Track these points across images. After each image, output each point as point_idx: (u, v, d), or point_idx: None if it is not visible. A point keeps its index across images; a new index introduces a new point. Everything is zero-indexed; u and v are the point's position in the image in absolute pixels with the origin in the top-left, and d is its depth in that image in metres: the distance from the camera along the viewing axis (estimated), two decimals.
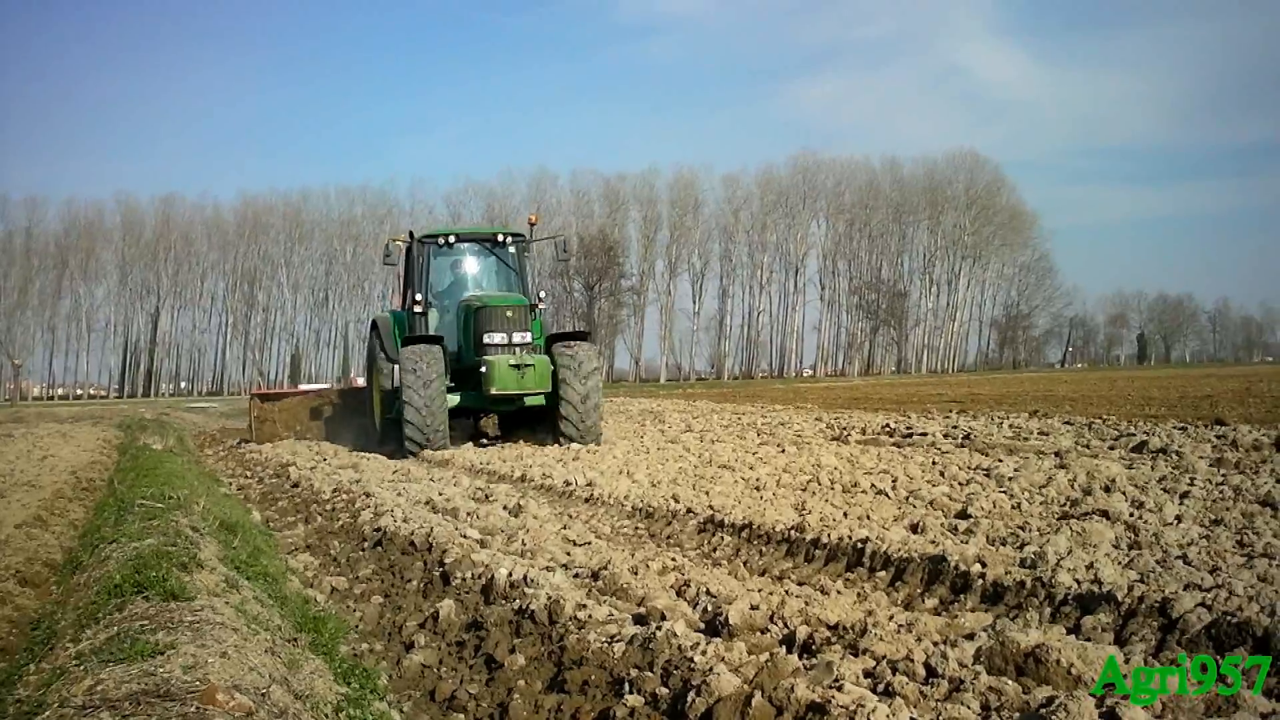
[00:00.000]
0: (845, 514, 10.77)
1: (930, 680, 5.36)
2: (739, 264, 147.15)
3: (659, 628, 6.26)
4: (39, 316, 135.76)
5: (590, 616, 6.85)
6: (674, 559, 9.39)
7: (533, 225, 27.57)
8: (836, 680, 5.24)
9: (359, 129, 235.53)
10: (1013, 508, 10.66)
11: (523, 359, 23.30)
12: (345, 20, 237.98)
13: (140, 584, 7.01)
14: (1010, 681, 5.21)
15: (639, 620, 6.87)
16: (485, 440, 25.52)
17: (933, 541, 8.76)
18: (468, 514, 12.48)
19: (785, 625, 6.62)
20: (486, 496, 14.53)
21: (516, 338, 24.00)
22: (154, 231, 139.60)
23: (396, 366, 24.61)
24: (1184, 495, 10.76)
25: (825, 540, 9.31)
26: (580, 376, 23.41)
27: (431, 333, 25.18)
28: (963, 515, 10.33)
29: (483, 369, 23.27)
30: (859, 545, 8.90)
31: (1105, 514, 9.71)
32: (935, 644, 5.89)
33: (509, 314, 24.03)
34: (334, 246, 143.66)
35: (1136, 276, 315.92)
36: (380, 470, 19.16)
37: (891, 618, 6.67)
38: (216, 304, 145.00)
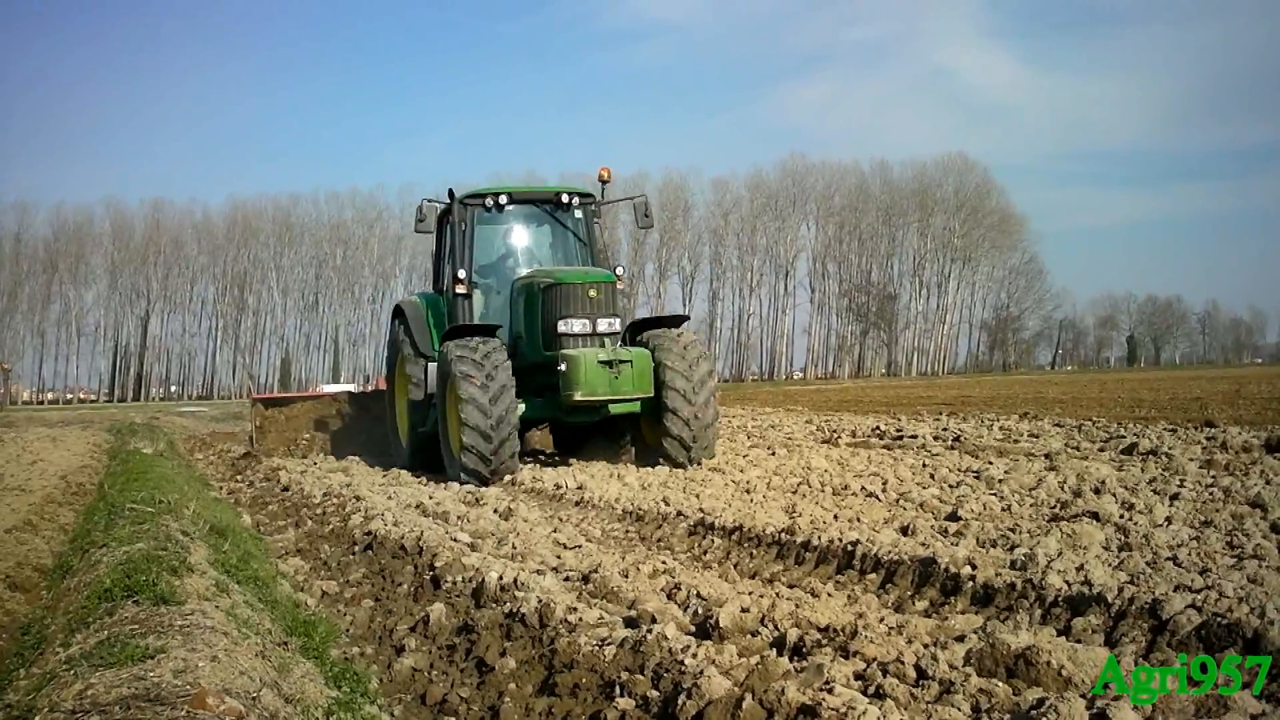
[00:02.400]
0: (836, 516, 10.79)
1: (921, 682, 5.36)
2: (729, 267, 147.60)
3: (650, 630, 6.25)
4: (28, 321, 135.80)
5: (581, 619, 6.85)
6: (665, 562, 9.41)
7: (604, 183, 20.86)
8: (827, 683, 5.24)
9: (348, 133, 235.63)
10: (1003, 510, 10.68)
11: (615, 353, 17.60)
12: (335, 26, 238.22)
13: (130, 588, 7.00)
14: (1000, 683, 5.22)
15: (630, 623, 6.87)
16: (539, 459, 20.86)
17: (923, 544, 8.77)
18: (458, 517, 12.51)
19: (776, 628, 6.62)
20: (477, 500, 14.58)
21: (603, 325, 18.25)
22: (143, 236, 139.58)
23: (430, 365, 19.84)
24: (1174, 497, 10.77)
25: (816, 543, 9.31)
26: (692, 377, 17.78)
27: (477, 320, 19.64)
28: (953, 517, 10.33)
29: (561, 367, 17.50)
30: (849, 548, 8.90)
31: (1095, 516, 9.73)
32: (925, 646, 5.90)
33: (592, 294, 18.22)
34: (324, 250, 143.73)
35: (1126, 279, 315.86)
36: (371, 474, 19.16)
37: (882, 620, 6.68)
38: (206, 308, 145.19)
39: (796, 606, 7.10)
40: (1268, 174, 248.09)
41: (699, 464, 17.36)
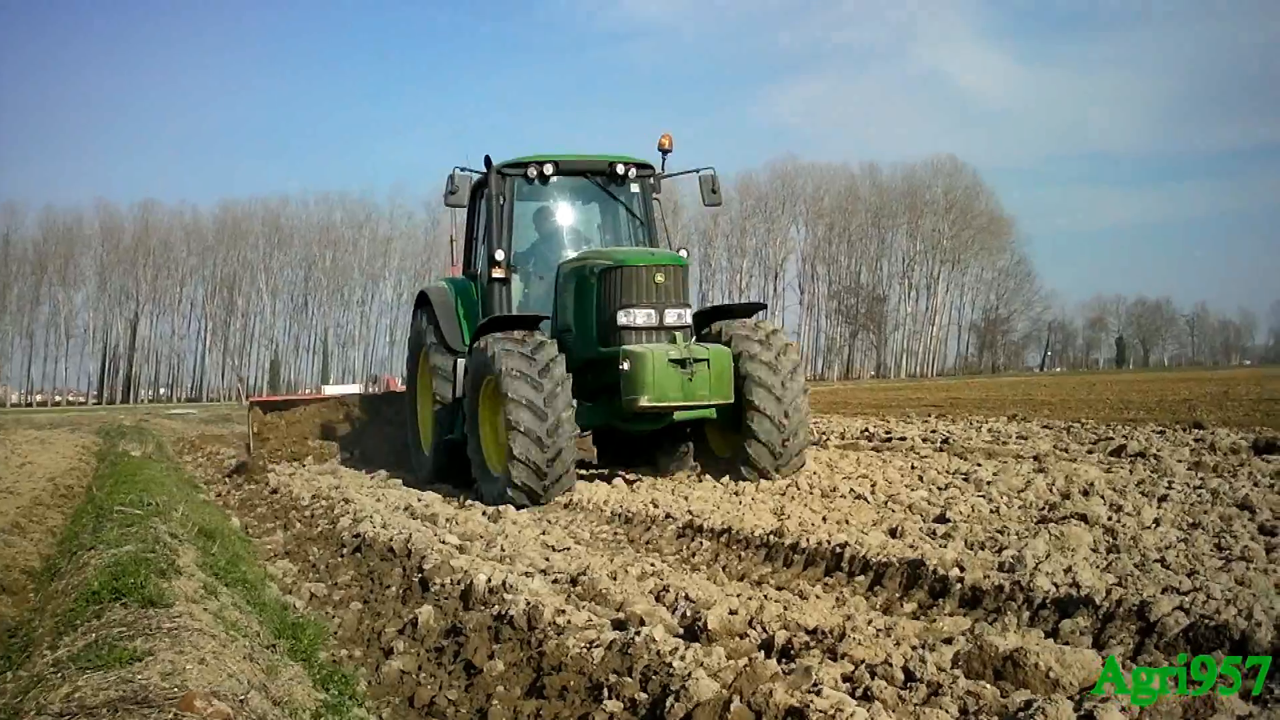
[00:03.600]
0: (824, 518, 10.79)
1: (909, 684, 5.36)
2: (718, 268, 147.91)
3: (638, 633, 6.26)
4: (17, 323, 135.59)
5: (569, 622, 6.85)
6: (653, 564, 9.41)
7: (665, 153, 17.87)
8: (815, 685, 5.24)
9: (339, 134, 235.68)
10: (991, 512, 10.68)
11: (689, 349, 14.72)
12: (327, 26, 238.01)
13: (118, 591, 6.99)
14: (988, 685, 5.21)
15: (618, 625, 6.86)
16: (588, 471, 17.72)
17: (911, 546, 8.78)
18: (447, 520, 12.52)
19: (764, 630, 6.62)
20: (465, 502, 14.54)
21: (671, 317, 15.33)
22: (133, 237, 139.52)
23: (460, 363, 17.01)
24: (1162, 499, 10.78)
25: (804, 545, 9.32)
26: (779, 370, 15.14)
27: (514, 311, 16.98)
28: (941, 519, 10.35)
29: (623, 366, 14.59)
30: (838, 550, 8.90)
31: (1084, 518, 9.74)
32: (913, 648, 5.89)
33: (659, 279, 15.33)
34: (313, 252, 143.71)
35: (1115, 280, 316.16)
36: (359, 477, 19.11)
37: (870, 622, 6.68)
38: (196, 310, 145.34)
39: (785, 609, 7.09)
40: (1259, 176, 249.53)
41: (786, 475, 14.82)
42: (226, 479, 20.45)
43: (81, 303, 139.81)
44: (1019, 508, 10.89)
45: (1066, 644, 5.99)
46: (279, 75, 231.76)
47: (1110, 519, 9.69)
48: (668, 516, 11.74)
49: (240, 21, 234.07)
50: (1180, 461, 13.94)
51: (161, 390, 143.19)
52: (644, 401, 14.44)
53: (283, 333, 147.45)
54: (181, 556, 8.82)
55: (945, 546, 8.77)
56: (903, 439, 20.75)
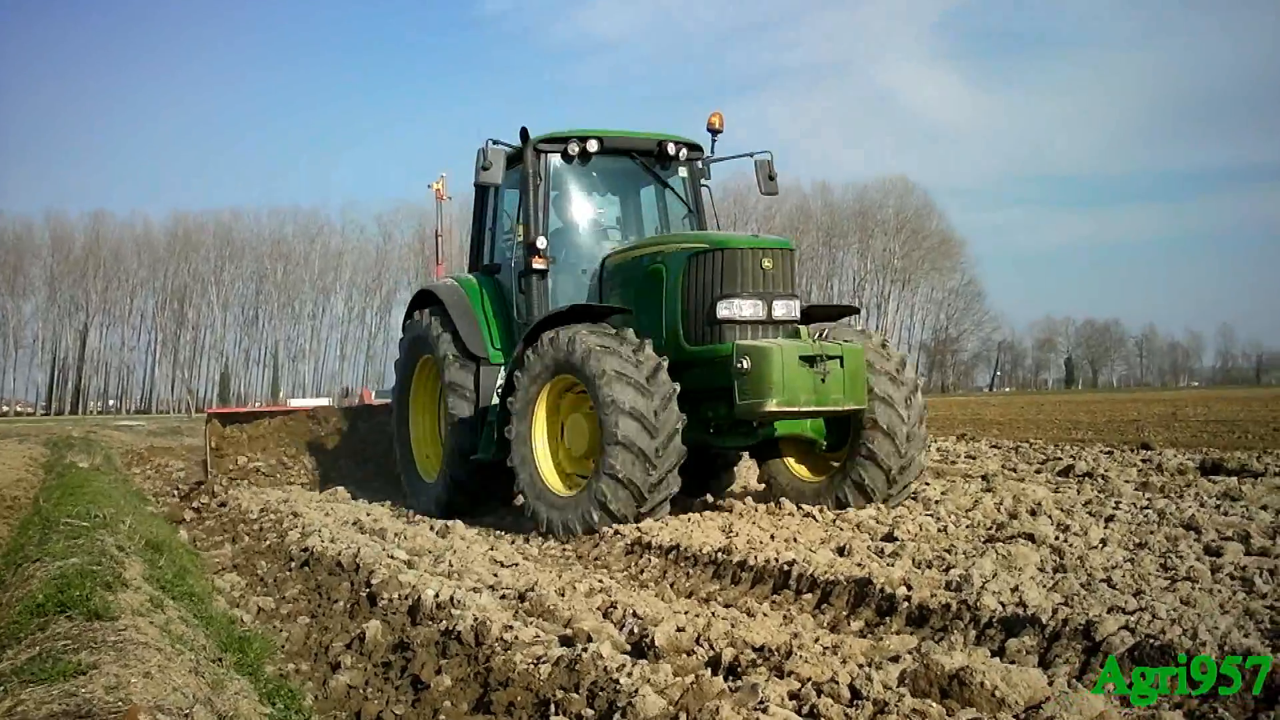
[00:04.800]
0: (772, 536, 10.82)
1: (855, 702, 5.37)
2: None
3: (585, 649, 6.25)
4: None
5: (517, 638, 6.84)
6: (601, 580, 9.41)
7: (716, 134, 15.85)
8: (761, 702, 5.25)
9: (291, 148, 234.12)
10: (939, 531, 10.72)
11: (821, 346, 12.46)
12: (276, 41, 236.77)
13: (63, 603, 6.95)
14: (934, 704, 5.23)
15: (565, 641, 6.85)
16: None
17: (859, 564, 8.80)
18: (395, 534, 12.47)
19: (711, 647, 6.63)
20: (414, 517, 14.50)
21: (780, 309, 13.23)
22: (83, 248, 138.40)
23: (485, 370, 15.23)
24: (1109, 519, 10.85)
25: (752, 562, 9.33)
26: (903, 383, 13.41)
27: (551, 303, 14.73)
28: (889, 538, 10.38)
29: (740, 364, 12.26)
30: (785, 567, 8.91)
31: (1031, 537, 9.79)
32: (860, 666, 5.91)
33: (766, 264, 13.24)
34: (264, 265, 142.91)
35: (1064, 301, 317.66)
36: (308, 490, 18.99)
37: (817, 640, 6.69)
38: (146, 321, 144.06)
39: (732, 626, 7.11)
40: (1206, 199, 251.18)
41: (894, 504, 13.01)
42: (180, 498, 19.88)
43: (31, 313, 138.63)
44: (966, 527, 10.94)
45: (1013, 663, 6.02)
46: (232, 87, 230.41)
47: (1057, 538, 9.75)
48: (616, 533, 11.73)
49: (193, 32, 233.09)
50: (1127, 482, 14.06)
51: (110, 402, 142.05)
52: (772, 406, 12.12)
53: (233, 346, 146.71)
54: (128, 569, 8.77)
55: (893, 565, 8.79)
56: None
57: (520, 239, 15.13)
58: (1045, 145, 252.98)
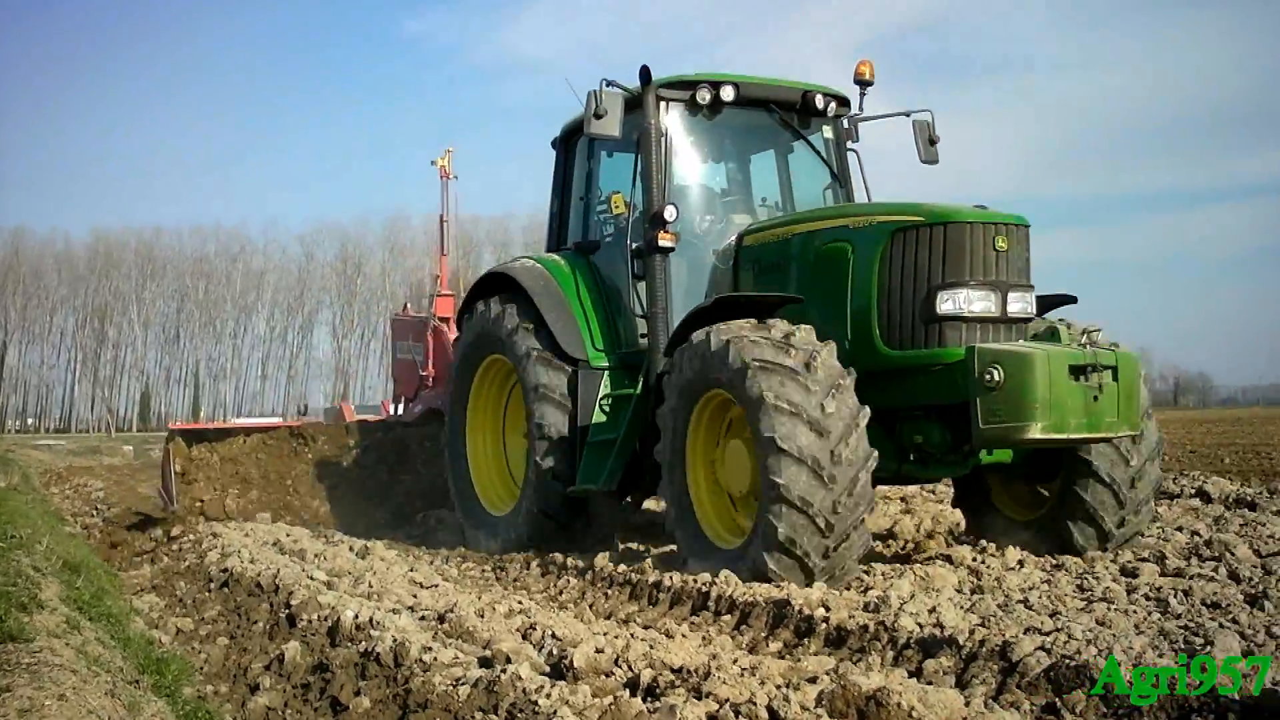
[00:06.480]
0: None
1: None
2: None
3: (504, 670, 6.23)
4: None
5: (436, 659, 6.81)
6: (520, 602, 9.38)
7: (865, 85, 12.93)
8: None
9: (213, 165, 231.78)
10: None
11: (1091, 354, 9.59)
12: (197, 59, 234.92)
13: None
14: None
15: (484, 663, 6.82)
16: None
17: (778, 585, 8.79)
18: (315, 555, 12.36)
19: (630, 668, 6.61)
20: (333, 538, 14.43)
21: (1016, 305, 10.21)
22: (2, 265, 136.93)
23: (581, 374, 12.18)
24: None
25: (670, 584, 9.34)
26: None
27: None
28: None
29: (989, 375, 9.35)
30: (704, 589, 8.91)
31: (948, 559, 9.87)
32: (778, 687, 5.91)
33: (1000, 245, 10.12)
34: (186, 284, 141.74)
35: None
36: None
37: (735, 661, 6.68)
38: (66, 339, 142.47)
39: (651, 647, 7.09)
40: (1129, 223, 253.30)
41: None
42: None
43: None
44: (885, 548, 11.01)
45: (930, 684, 6.02)
46: (154, 103, 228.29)
47: (975, 560, 9.82)
48: (534, 552, 11.75)
49: (115, 47, 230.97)
50: None
51: (29, 420, 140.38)
52: (1036, 432, 9.27)
53: (154, 364, 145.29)
54: (44, 590, 8.67)
55: (811, 586, 8.84)
56: None
57: (617, 211, 12.76)
58: (964, 171, 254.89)
